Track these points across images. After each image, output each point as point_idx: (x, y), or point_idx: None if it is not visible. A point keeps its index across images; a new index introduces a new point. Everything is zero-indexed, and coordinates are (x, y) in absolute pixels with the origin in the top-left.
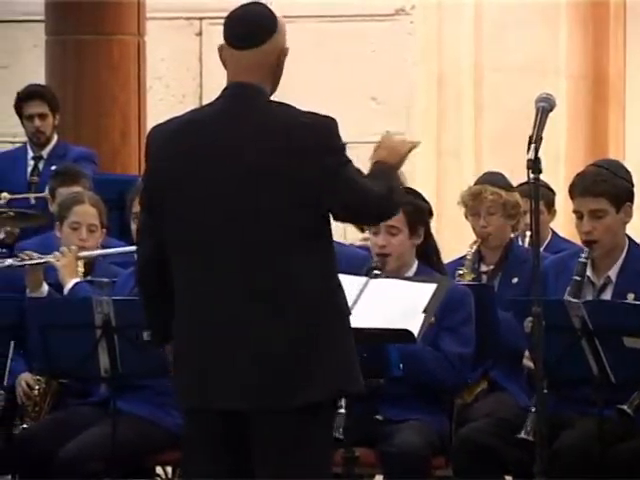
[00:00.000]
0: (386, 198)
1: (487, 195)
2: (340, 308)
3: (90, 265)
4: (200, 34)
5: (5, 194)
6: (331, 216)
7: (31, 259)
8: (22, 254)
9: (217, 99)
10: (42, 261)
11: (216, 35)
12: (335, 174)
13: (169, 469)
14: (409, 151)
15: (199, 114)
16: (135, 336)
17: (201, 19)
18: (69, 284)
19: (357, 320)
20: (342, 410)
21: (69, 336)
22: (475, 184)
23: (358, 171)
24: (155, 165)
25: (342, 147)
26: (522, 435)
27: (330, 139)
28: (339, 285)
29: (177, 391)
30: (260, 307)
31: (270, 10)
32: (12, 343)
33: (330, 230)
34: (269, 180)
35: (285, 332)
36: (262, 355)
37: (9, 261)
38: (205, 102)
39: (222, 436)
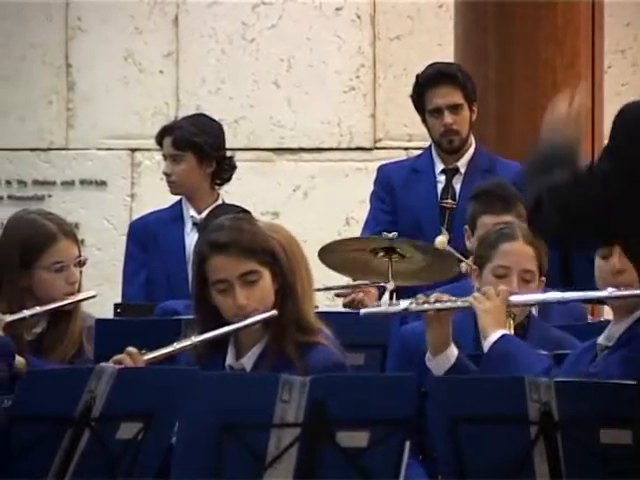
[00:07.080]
0: None
1: None
2: None
3: (522, 324)
4: None
5: (394, 233)
6: None
7: (439, 301)
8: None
9: None
10: (454, 306)
11: None
12: None
13: None
14: None
15: None
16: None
17: None
18: (492, 336)
19: None
20: None
21: (490, 434)
22: None
23: None
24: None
25: None
26: None
27: None
28: None
29: None
30: None
31: None
32: (407, 444)
33: None
34: None
35: None
36: None
37: (404, 303)
38: None
39: None
